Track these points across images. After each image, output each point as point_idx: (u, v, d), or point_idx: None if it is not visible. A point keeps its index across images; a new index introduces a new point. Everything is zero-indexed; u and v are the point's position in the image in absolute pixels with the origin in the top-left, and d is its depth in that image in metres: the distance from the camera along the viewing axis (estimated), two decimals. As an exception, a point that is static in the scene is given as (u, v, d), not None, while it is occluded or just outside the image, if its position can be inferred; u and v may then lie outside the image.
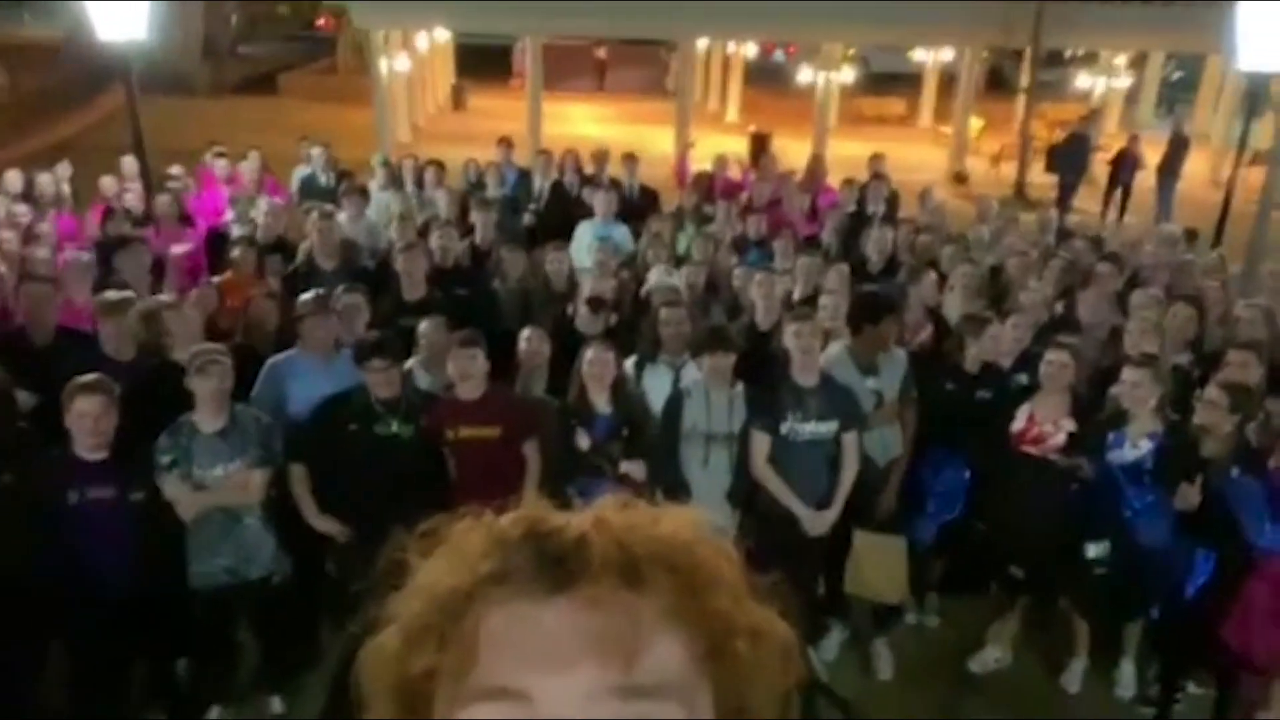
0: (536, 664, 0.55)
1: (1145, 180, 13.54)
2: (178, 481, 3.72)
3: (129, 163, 8.69)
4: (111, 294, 4.60)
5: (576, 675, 0.55)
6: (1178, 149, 13.54)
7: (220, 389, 3.78)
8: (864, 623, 4.65)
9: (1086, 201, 13.58)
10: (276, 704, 4.08)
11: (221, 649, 4.16)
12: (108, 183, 8.42)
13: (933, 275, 5.72)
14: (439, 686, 0.58)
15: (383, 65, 15.94)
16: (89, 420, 3.54)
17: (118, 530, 3.63)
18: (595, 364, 4.22)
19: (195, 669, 4.19)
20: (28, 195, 7.83)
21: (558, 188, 8.50)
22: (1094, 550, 4.14)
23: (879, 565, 4.34)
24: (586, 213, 7.28)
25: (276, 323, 4.89)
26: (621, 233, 7.01)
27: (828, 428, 4.17)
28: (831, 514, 4.20)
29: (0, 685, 3.81)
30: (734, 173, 9.61)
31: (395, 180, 8.25)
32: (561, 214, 7.71)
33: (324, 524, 4.05)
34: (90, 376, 3.67)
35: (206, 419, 3.79)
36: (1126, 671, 4.45)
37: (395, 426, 4.07)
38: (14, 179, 7.98)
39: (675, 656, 0.57)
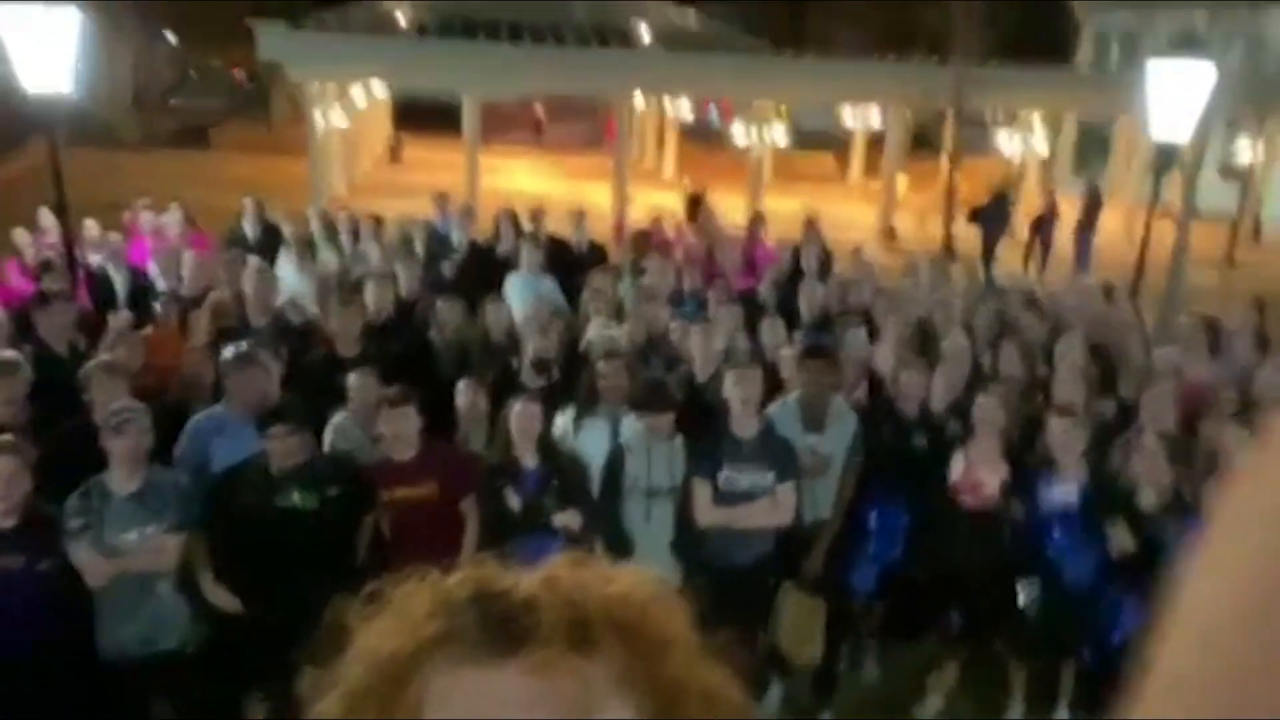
0: None
1: (1063, 234, 14.16)
2: (87, 547, 3.54)
3: (45, 215, 8.43)
4: (3, 354, 4.43)
5: None
6: (1093, 206, 14.27)
7: (136, 448, 3.64)
8: (802, 688, 4.61)
9: (1008, 255, 14.08)
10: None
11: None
12: (20, 235, 8.13)
13: (863, 330, 5.82)
14: None
15: (318, 118, 15.86)
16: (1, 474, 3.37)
17: (25, 601, 3.44)
18: (523, 418, 4.16)
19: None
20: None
21: (475, 246, 8.40)
22: (1024, 592, 4.21)
23: (797, 622, 4.34)
24: (508, 267, 7.24)
25: (213, 378, 4.74)
26: (548, 286, 6.99)
27: (765, 478, 4.17)
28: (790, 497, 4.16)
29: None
30: (669, 229, 9.72)
31: (330, 234, 8.15)
32: (481, 268, 7.64)
33: (217, 595, 3.83)
34: (2, 437, 3.50)
35: (121, 480, 3.63)
36: (1062, 716, 4.48)
37: (296, 497, 3.85)
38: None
39: None
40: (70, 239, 7.83)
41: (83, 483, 3.62)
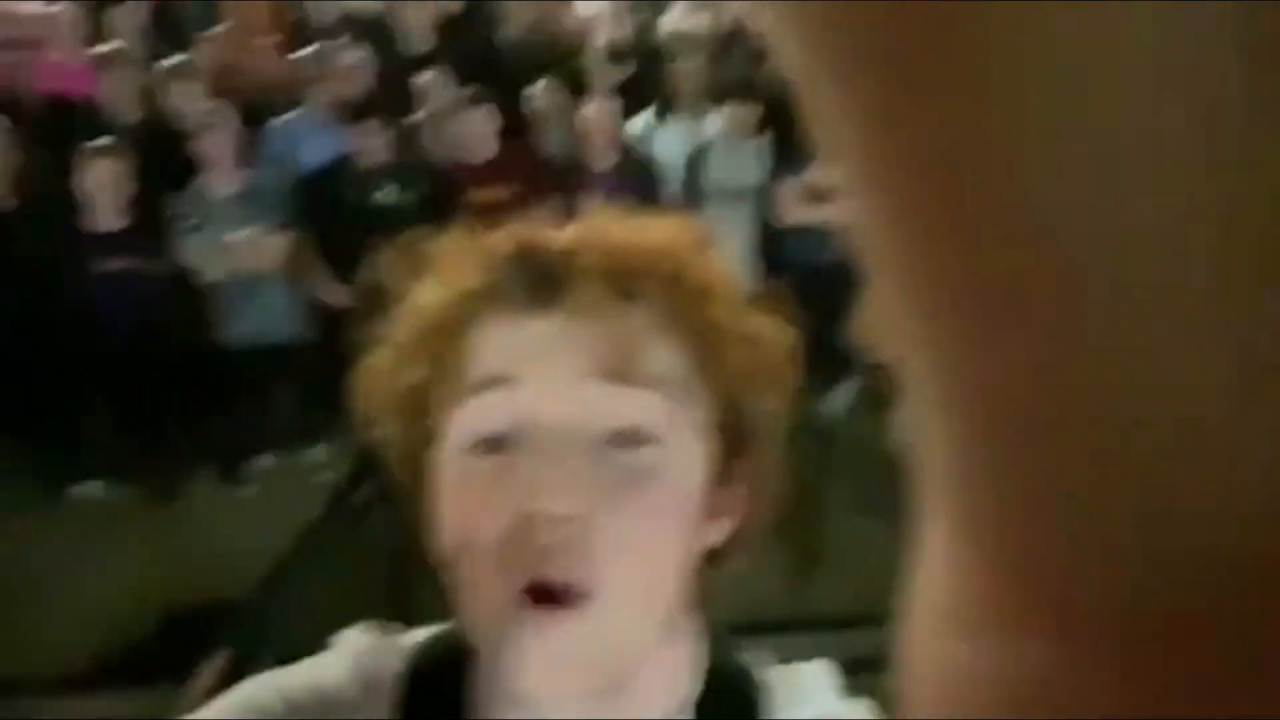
0: (525, 356, 0.57)
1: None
2: (197, 246, 3.73)
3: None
4: (105, 46, 4.40)
5: (564, 365, 0.56)
6: None
7: (231, 150, 3.70)
8: (882, 381, 4.76)
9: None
10: (320, 452, 4.33)
11: (261, 403, 4.36)
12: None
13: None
14: (433, 397, 0.60)
15: None
16: (106, 186, 3.51)
17: (142, 297, 3.70)
18: (598, 116, 4.05)
19: (237, 423, 4.42)
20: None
21: None
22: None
23: (879, 318, 4.39)
24: None
25: (287, 77, 4.69)
26: None
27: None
28: None
29: (55, 447, 4.08)
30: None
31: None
32: None
33: (329, 293, 4.04)
34: (103, 140, 3.60)
35: (222, 182, 3.74)
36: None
37: (387, 194, 3.95)
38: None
39: (667, 359, 0.57)
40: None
41: (174, 186, 3.75)
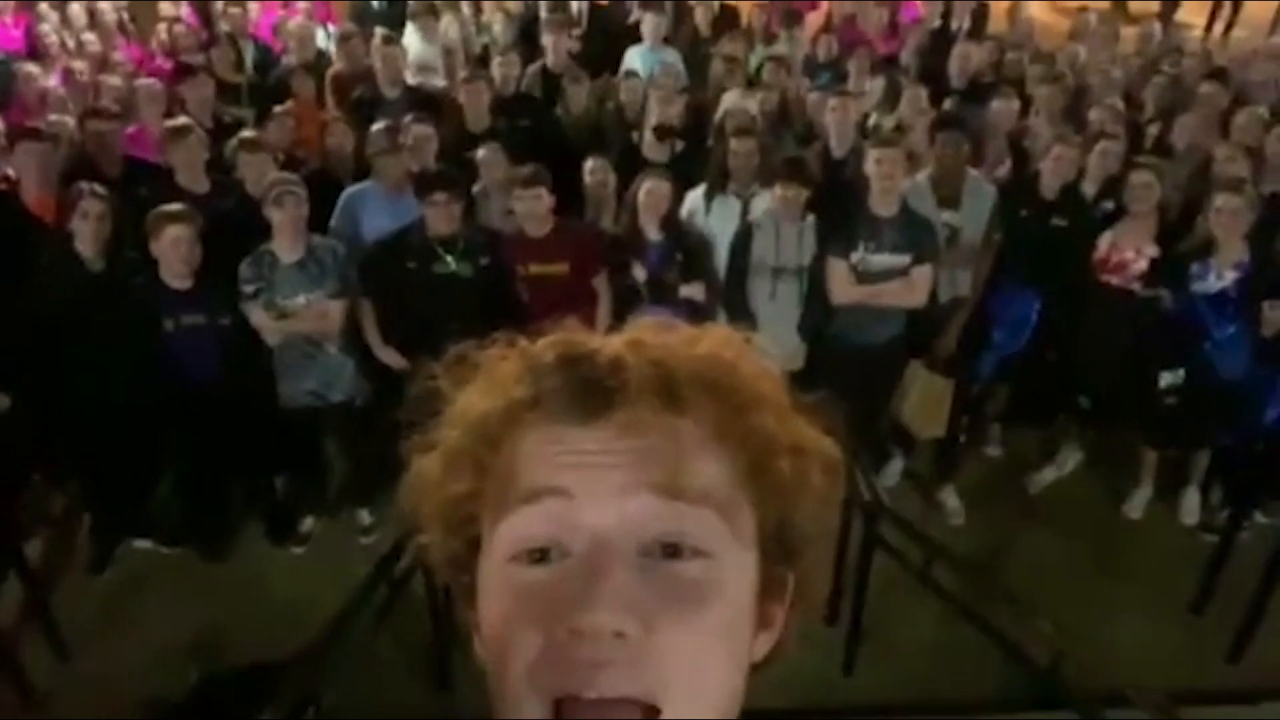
0: (575, 469, 0.56)
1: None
2: (261, 310, 3.88)
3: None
4: (174, 121, 4.64)
5: (616, 477, 0.55)
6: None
7: (297, 218, 3.86)
8: (924, 462, 4.71)
9: (1191, 15, 12.48)
10: (365, 516, 4.37)
11: (312, 465, 4.46)
12: (167, 8, 8.30)
13: (1015, 102, 5.40)
14: (482, 508, 0.59)
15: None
16: (181, 247, 3.67)
17: (210, 354, 3.83)
18: (652, 194, 4.16)
19: (289, 484, 4.50)
20: (91, 24, 7.77)
21: (596, 10, 7.98)
22: (1167, 379, 4.09)
23: (924, 400, 4.36)
24: (632, 37, 6.86)
25: (353, 148, 4.89)
26: (673, 56, 6.66)
27: (901, 260, 4.10)
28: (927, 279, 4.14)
29: (116, 503, 4.20)
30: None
31: (451, 3, 7.93)
32: (605, 39, 7.29)
33: (387, 356, 4.14)
34: (175, 205, 3.79)
35: (285, 248, 3.89)
36: (1191, 499, 4.46)
37: (453, 265, 4.05)
38: (77, 10, 7.91)
39: (716, 473, 0.57)
40: (207, 10, 7.96)
41: (240, 252, 3.91)
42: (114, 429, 3.85)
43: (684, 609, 0.53)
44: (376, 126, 4.67)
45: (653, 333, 0.61)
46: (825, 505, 0.61)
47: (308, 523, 4.38)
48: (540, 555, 0.55)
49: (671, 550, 0.54)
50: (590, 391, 0.57)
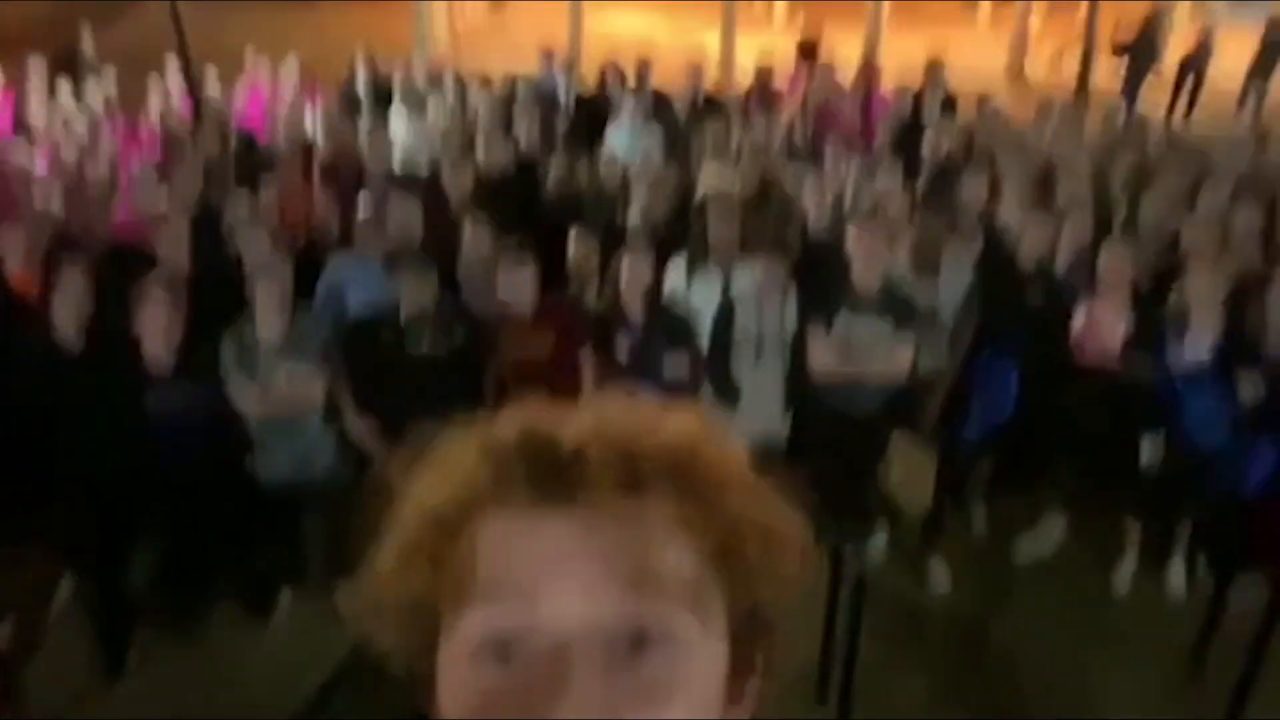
0: (537, 564, 0.53)
1: (1213, 71, 12.89)
2: (241, 386, 3.85)
3: (171, 70, 8.69)
4: (161, 209, 4.71)
5: (580, 572, 0.53)
6: (1271, 49, 12.74)
7: (282, 296, 3.88)
8: (910, 534, 4.70)
9: (1156, 94, 12.96)
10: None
11: (291, 540, 4.37)
12: (155, 85, 8.43)
13: (983, 180, 5.55)
14: (440, 600, 0.57)
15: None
16: (159, 320, 3.66)
17: (190, 428, 3.79)
18: (632, 270, 4.21)
19: (268, 558, 4.41)
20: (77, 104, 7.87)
21: (582, 102, 8.24)
22: (1148, 453, 4.13)
23: (909, 472, 4.37)
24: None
25: (338, 230, 4.94)
26: (653, 140, 6.85)
27: (883, 330, 4.15)
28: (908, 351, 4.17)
29: (95, 577, 4.08)
30: (780, 78, 9.25)
31: (437, 88, 8.14)
32: (589, 123, 7.51)
33: (359, 434, 4.10)
34: (158, 279, 3.80)
35: (268, 325, 3.89)
36: (1176, 571, 4.46)
37: (426, 345, 4.06)
38: (64, 90, 8.02)
39: (684, 561, 0.55)
40: (196, 92, 8.10)
41: (230, 323, 3.91)
42: (93, 505, 3.77)
43: (652, 706, 0.52)
44: (363, 199, 4.72)
45: (618, 412, 0.59)
46: (792, 585, 0.60)
47: (286, 598, 4.29)
48: (503, 650, 0.53)
49: (638, 645, 0.53)
50: (552, 480, 0.55)
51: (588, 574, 0.53)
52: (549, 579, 0.53)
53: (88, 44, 9.05)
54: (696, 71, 8.07)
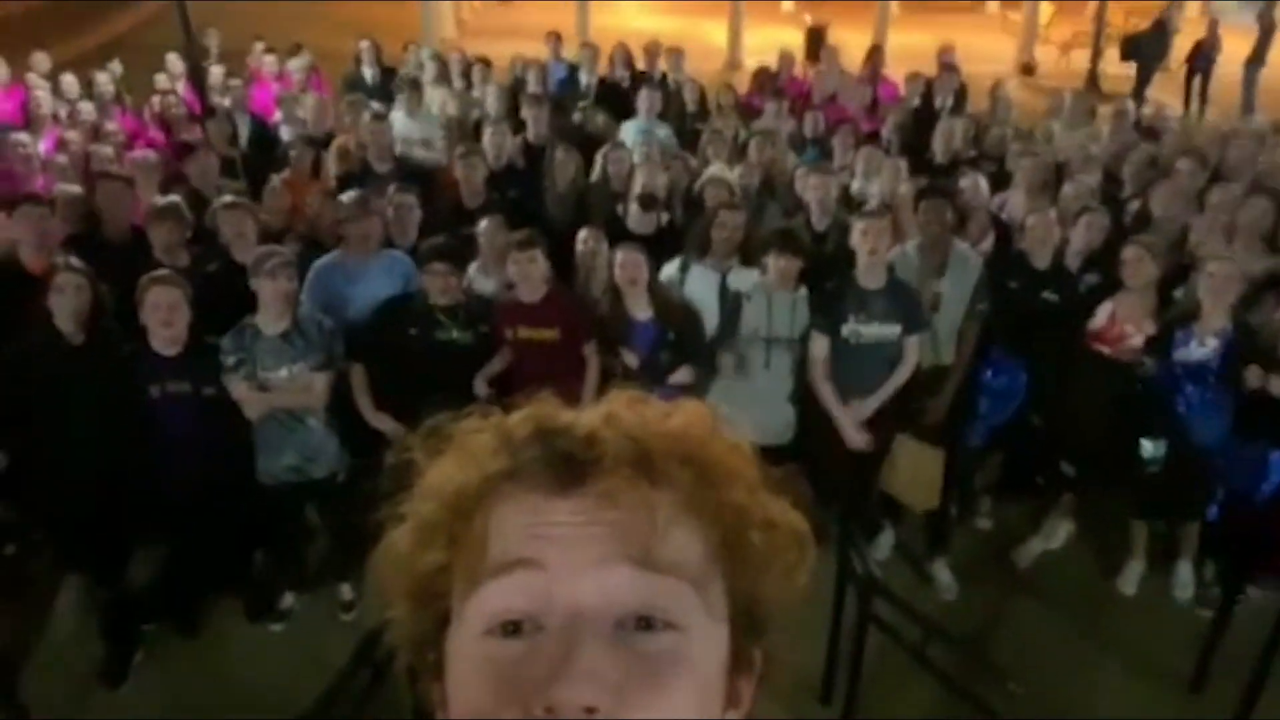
0: (549, 543, 0.55)
1: (1224, 69, 12.81)
2: (243, 382, 3.80)
3: (174, 60, 8.69)
4: (160, 200, 4.66)
5: (591, 551, 0.55)
6: (1266, 35, 12.78)
7: (286, 291, 3.83)
8: (915, 535, 4.66)
9: (1164, 93, 12.88)
10: (346, 591, 4.26)
11: (292, 540, 4.36)
12: (161, 80, 8.43)
13: (982, 177, 5.47)
14: (453, 581, 0.59)
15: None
16: (164, 313, 3.63)
17: (193, 424, 3.76)
18: (626, 267, 4.15)
19: (269, 559, 4.40)
20: (86, 95, 7.86)
21: (605, 84, 8.26)
22: (1149, 449, 4.09)
23: (914, 472, 4.32)
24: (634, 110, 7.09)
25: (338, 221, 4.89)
26: (665, 132, 6.82)
27: (891, 330, 4.11)
28: (867, 407, 4.15)
29: (94, 575, 4.07)
30: (788, 70, 9.22)
31: (444, 76, 8.11)
32: (612, 111, 7.51)
33: (380, 422, 4.09)
34: (164, 271, 3.76)
35: (270, 321, 3.84)
36: (1184, 574, 4.41)
37: (454, 333, 4.12)
38: (70, 82, 8.01)
39: (690, 546, 0.57)
40: (201, 84, 8.08)
41: (232, 321, 3.87)
42: (94, 505, 3.74)
43: (656, 684, 0.53)
44: (348, 195, 4.66)
45: (627, 406, 0.62)
46: (795, 578, 0.61)
47: (287, 599, 4.27)
48: (513, 628, 0.55)
49: (645, 623, 0.54)
50: (565, 463, 0.57)
51: (598, 553, 0.55)
52: (560, 557, 0.55)
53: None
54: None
